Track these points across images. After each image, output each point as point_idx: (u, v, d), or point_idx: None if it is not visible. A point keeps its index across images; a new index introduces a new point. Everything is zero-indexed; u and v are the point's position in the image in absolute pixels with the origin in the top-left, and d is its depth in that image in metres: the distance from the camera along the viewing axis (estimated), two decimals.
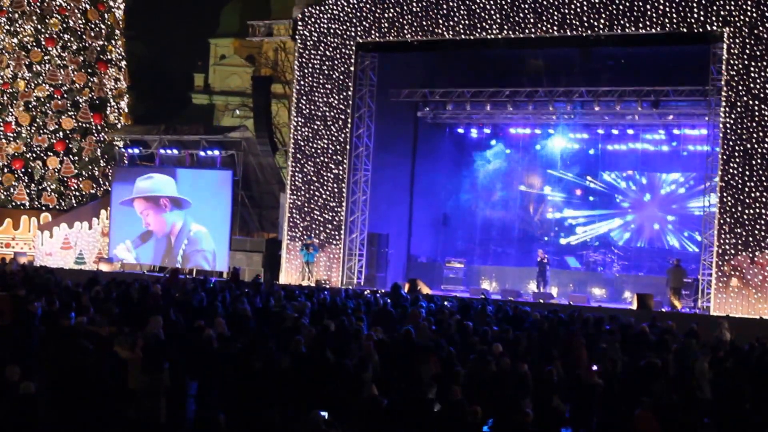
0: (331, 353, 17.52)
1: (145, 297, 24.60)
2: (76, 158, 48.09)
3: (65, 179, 47.99)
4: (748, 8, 31.32)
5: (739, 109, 31.44)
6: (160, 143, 42.62)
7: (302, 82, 37.81)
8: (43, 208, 47.43)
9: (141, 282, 27.71)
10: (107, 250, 42.88)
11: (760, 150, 31.08)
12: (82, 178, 48.25)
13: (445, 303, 27.50)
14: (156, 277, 34.79)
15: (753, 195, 31.14)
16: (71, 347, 16.78)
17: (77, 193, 48.04)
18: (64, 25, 48.49)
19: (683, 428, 15.23)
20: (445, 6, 35.31)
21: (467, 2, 34.94)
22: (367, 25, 36.67)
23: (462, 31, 35.07)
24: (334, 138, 37.13)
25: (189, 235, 40.68)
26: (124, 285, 26.98)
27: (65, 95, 48.26)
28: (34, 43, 48.26)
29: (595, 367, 18.04)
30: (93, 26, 48.94)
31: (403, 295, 28.66)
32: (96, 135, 48.55)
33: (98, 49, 49.06)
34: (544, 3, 33.80)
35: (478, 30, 34.81)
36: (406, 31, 35.98)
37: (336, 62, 37.22)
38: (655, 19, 32.39)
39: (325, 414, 13.47)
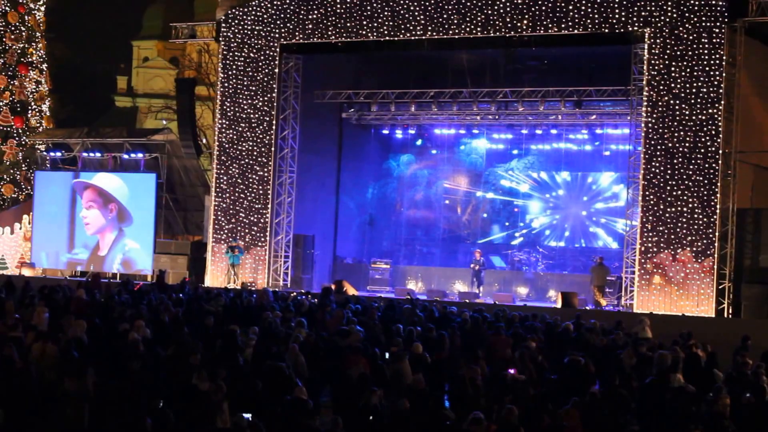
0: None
1: (68, 301, 24.31)
2: None
3: None
4: (669, 9, 31.67)
5: (660, 109, 31.80)
6: (82, 146, 42.16)
7: (226, 84, 37.63)
8: None
9: (64, 287, 27.31)
10: (29, 254, 42.35)
11: (681, 149, 31.45)
12: (3, 183, 47.61)
13: (372, 304, 27.50)
14: (78, 281, 34.35)
15: (675, 193, 31.50)
16: None
17: None
18: None
19: (607, 424, 15.32)
20: (369, 7, 35.32)
21: (391, 4, 35.00)
22: (291, 27, 36.58)
23: (386, 32, 35.11)
24: (258, 140, 37.00)
25: (124, 250, 40.12)
26: (47, 290, 26.61)
27: None
28: None
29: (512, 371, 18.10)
30: (13, 28, 48.29)
31: (331, 297, 28.58)
32: (17, 138, 47.93)
33: (19, 51, 48.43)
34: (468, 4, 33.95)
35: (402, 31, 34.89)
36: (330, 33, 35.96)
37: (260, 64, 37.08)
38: (577, 20, 32.68)
39: (248, 416, 13.38)
